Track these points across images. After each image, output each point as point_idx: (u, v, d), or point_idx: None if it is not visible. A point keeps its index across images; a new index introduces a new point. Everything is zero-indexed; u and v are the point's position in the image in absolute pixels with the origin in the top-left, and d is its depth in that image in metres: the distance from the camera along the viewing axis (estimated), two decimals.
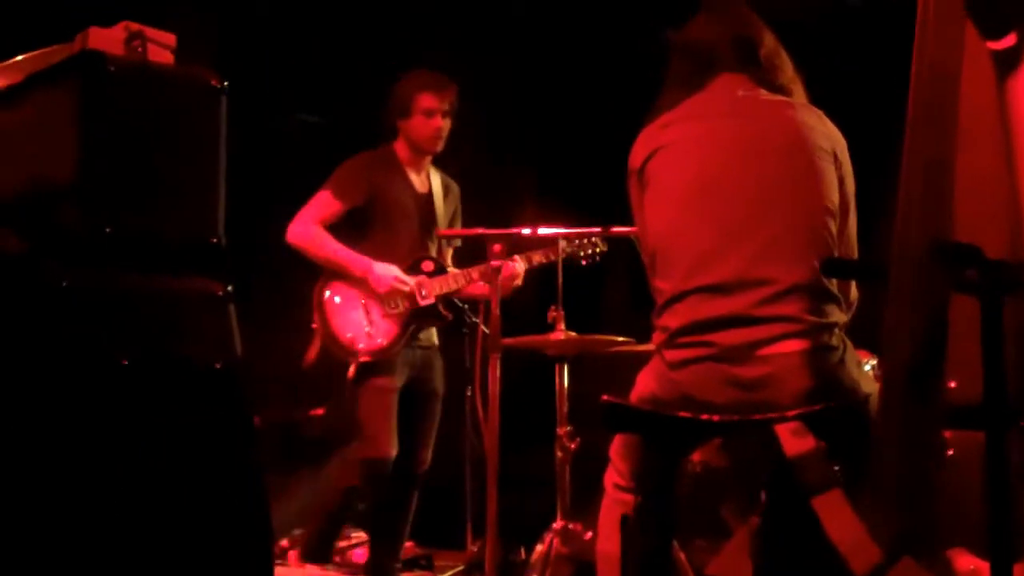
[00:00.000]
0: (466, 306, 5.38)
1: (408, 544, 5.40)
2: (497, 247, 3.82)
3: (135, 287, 2.59)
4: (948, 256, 1.50)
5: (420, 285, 4.89)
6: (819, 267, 2.78)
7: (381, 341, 4.83)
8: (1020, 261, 1.74)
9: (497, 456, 3.71)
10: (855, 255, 3.07)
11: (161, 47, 2.68)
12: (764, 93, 3.15)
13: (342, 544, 5.54)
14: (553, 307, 4.10)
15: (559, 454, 4.08)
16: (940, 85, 1.54)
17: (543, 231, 3.93)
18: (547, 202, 6.11)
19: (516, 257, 4.88)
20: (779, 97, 3.15)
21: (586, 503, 3.67)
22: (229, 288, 2.69)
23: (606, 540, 3.23)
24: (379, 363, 4.83)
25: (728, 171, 3.04)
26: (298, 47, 6.62)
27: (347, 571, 5.29)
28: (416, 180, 5.09)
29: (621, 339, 4.00)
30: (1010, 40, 1.76)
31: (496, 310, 3.77)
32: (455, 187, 5.28)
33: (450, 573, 5.27)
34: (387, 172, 5.02)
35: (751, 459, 3.18)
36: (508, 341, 3.84)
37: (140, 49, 2.61)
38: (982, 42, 1.77)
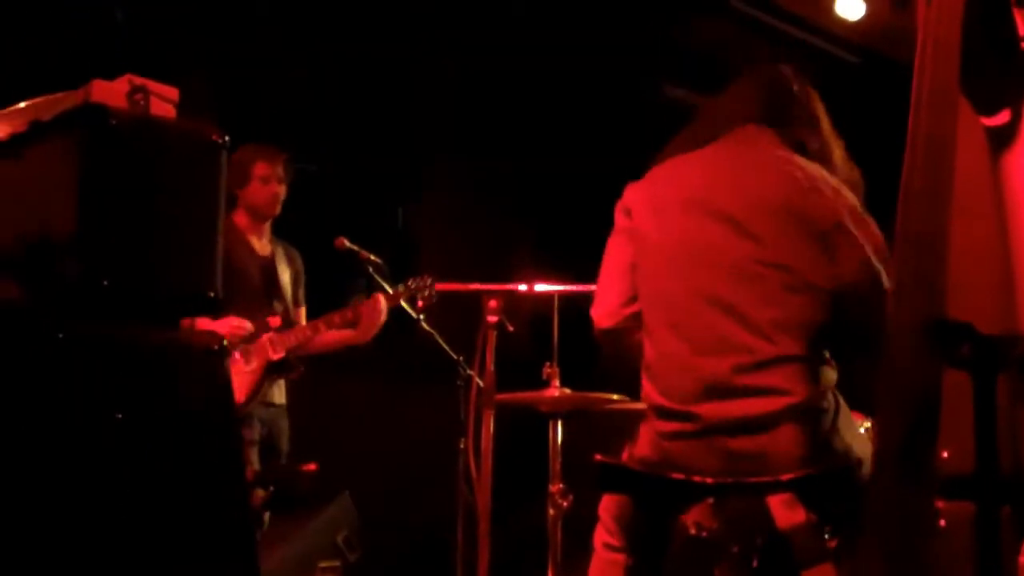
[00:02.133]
0: (460, 359, 5.38)
1: None
2: (493, 303, 3.83)
3: (132, 340, 2.60)
4: (941, 333, 1.52)
5: (271, 340, 5.05)
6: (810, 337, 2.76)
7: (239, 397, 4.87)
8: (1013, 333, 1.76)
9: (489, 511, 3.70)
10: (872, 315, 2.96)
11: (163, 100, 2.70)
12: (782, 152, 3.07)
13: None
14: (548, 364, 4.10)
15: (551, 511, 4.06)
16: (935, 160, 1.56)
17: (539, 287, 3.95)
18: (544, 258, 6.16)
19: (378, 296, 5.18)
20: (793, 159, 3.04)
21: (577, 561, 3.65)
22: (225, 342, 2.70)
23: None
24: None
25: (723, 236, 2.98)
26: (291, 97, 6.67)
27: None
28: (257, 245, 5.32)
29: (616, 396, 4.00)
30: (1004, 117, 1.79)
31: (490, 365, 3.77)
32: (297, 254, 5.52)
33: None
34: (230, 240, 4.99)
35: (744, 521, 3.17)
36: (502, 397, 3.85)
37: (142, 103, 2.62)
38: (976, 116, 1.80)
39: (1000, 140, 1.76)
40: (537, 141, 7.02)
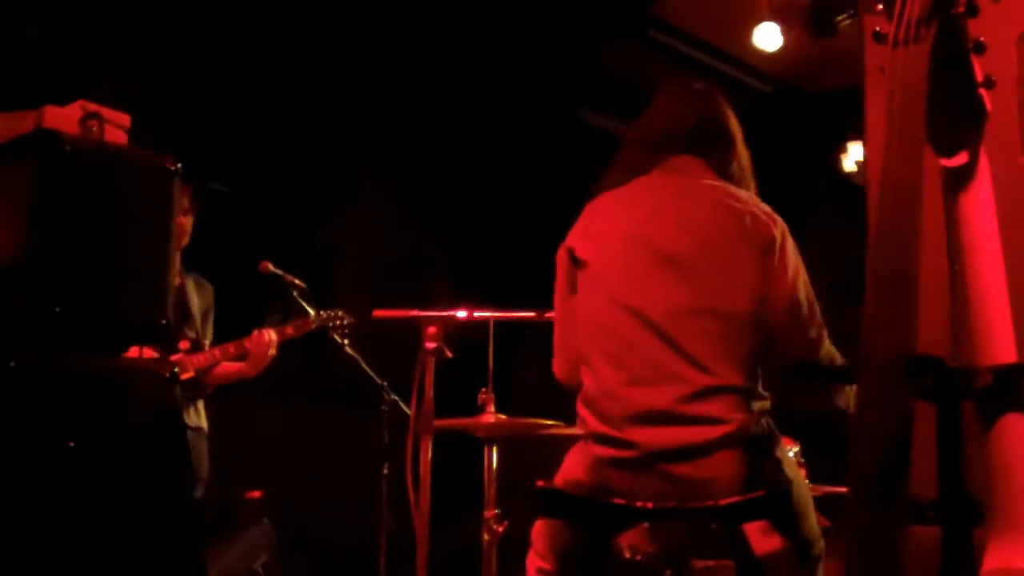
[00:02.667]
0: (385, 383, 5.39)
1: None
2: (432, 329, 3.85)
3: (83, 368, 2.58)
4: (914, 368, 1.58)
5: (179, 362, 4.87)
6: (793, 371, 2.82)
7: None
8: (965, 365, 1.83)
9: (427, 537, 3.70)
10: (814, 334, 3.03)
11: (116, 127, 2.69)
12: (710, 179, 3.13)
13: None
14: (483, 389, 4.12)
15: (486, 536, 4.07)
16: (902, 202, 1.63)
17: (478, 315, 3.97)
18: (463, 280, 6.21)
19: (267, 329, 5.10)
20: (727, 189, 3.11)
21: None
22: (176, 369, 2.69)
23: None
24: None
25: (659, 267, 3.03)
26: (206, 117, 6.63)
27: None
28: None
29: (551, 422, 4.03)
30: (962, 158, 1.86)
31: (429, 391, 3.79)
32: (208, 285, 5.40)
33: None
34: None
35: (679, 544, 3.21)
36: (439, 423, 3.86)
37: (96, 129, 2.61)
38: (934, 158, 1.87)
39: (957, 181, 1.83)
40: (455, 164, 7.05)
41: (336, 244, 7.18)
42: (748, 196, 3.12)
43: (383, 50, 6.69)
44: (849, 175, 8.05)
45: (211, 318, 5.33)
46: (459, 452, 4.53)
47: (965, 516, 1.71)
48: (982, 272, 1.84)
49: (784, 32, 6.50)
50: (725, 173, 3.18)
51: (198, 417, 5.12)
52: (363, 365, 5.40)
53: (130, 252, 2.65)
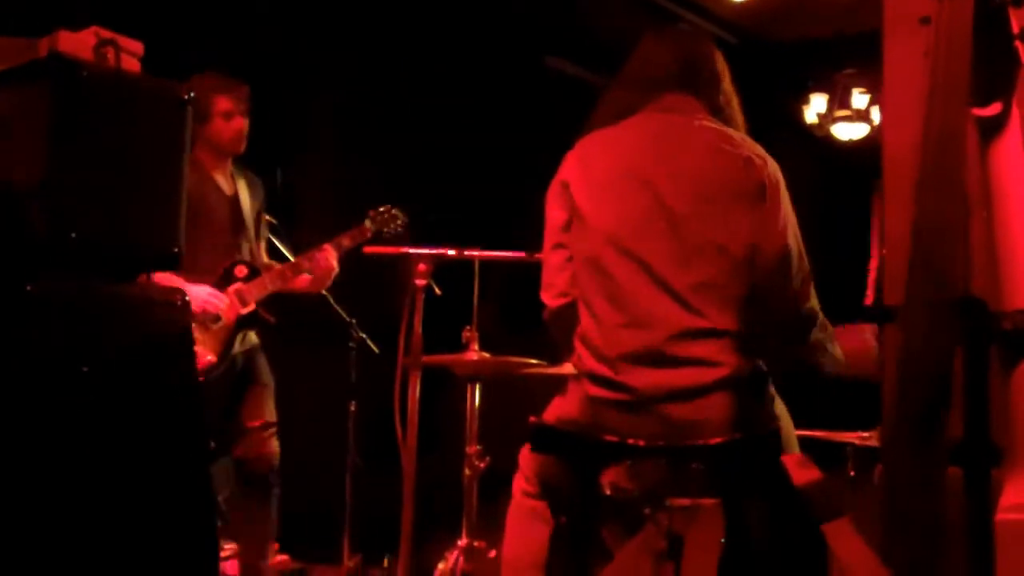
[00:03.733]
0: (353, 321, 5.39)
1: (283, 557, 5.36)
2: (422, 266, 3.87)
3: (98, 293, 2.58)
4: (959, 309, 1.63)
5: (238, 292, 4.81)
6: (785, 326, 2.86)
7: (211, 358, 4.70)
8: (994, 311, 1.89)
9: (414, 474, 3.74)
10: (798, 285, 3.06)
11: (129, 55, 2.67)
12: (704, 118, 3.14)
13: None
14: (467, 328, 4.15)
15: (467, 472, 4.12)
16: (948, 149, 1.67)
17: (468, 253, 4.00)
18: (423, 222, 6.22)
19: (326, 247, 4.89)
20: (721, 129, 3.13)
21: (492, 522, 3.73)
22: (187, 297, 2.70)
23: (515, 544, 3.25)
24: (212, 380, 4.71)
25: (654, 210, 3.04)
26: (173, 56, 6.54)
27: None
28: (223, 182, 5.02)
29: (534, 361, 4.08)
30: (995, 108, 1.91)
31: (418, 328, 3.81)
32: (258, 181, 5.22)
33: None
34: (198, 182, 4.79)
35: (661, 484, 3.27)
36: (428, 359, 3.89)
37: (112, 57, 2.59)
38: (969, 107, 1.92)
39: (990, 130, 1.88)
40: (419, 109, 7.03)
41: (299, 187, 7.16)
42: (741, 138, 3.13)
43: None
44: (810, 127, 8.14)
45: (263, 216, 5.15)
46: (441, 389, 4.58)
47: (987, 457, 1.77)
48: (1010, 219, 1.90)
49: None
50: (716, 110, 3.19)
51: (252, 334, 4.98)
52: (332, 303, 5.38)
53: (143, 179, 2.64)
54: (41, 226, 2.50)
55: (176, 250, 2.66)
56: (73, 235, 2.52)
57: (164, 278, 4.53)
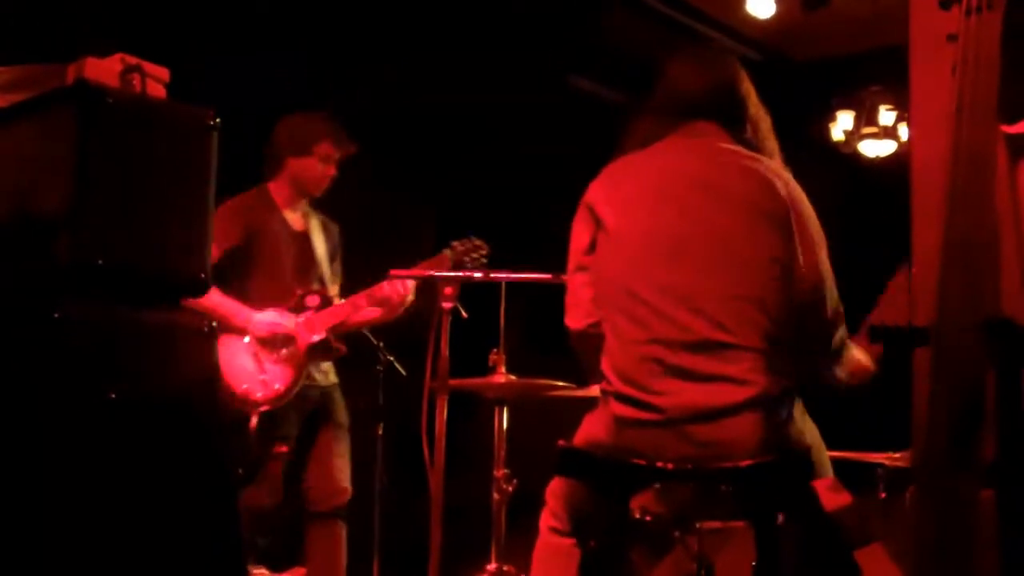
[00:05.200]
0: (380, 344, 5.39)
1: None
2: (448, 289, 3.87)
3: (124, 320, 2.58)
4: (994, 331, 1.61)
5: (309, 322, 4.79)
6: (867, 332, 2.83)
7: (279, 387, 4.70)
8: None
9: (442, 497, 3.73)
10: (833, 308, 3.04)
11: (155, 81, 2.68)
12: (733, 146, 3.14)
13: None
14: (494, 350, 4.14)
15: (496, 496, 4.11)
16: (977, 168, 1.66)
17: (494, 275, 3.99)
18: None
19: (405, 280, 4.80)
20: (746, 153, 3.13)
21: (520, 546, 3.71)
22: (214, 324, 2.70)
23: None
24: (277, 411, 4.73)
25: (683, 228, 3.04)
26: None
27: None
28: (292, 219, 5.01)
29: (561, 383, 4.07)
30: (1023, 126, 1.89)
31: (445, 351, 3.81)
32: (333, 226, 5.22)
33: None
34: (263, 212, 4.93)
35: (691, 507, 3.24)
36: (455, 383, 3.88)
37: (137, 83, 2.61)
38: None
39: (1019, 148, 1.87)
40: (442, 129, 7.03)
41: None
42: (769, 161, 3.14)
43: (371, 10, 6.66)
44: (836, 144, 8.11)
45: (339, 258, 5.14)
46: (467, 413, 4.56)
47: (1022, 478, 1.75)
48: None
49: (777, 0, 6.55)
50: (742, 138, 3.19)
51: (330, 373, 4.99)
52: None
53: (170, 206, 2.65)
54: (67, 253, 2.50)
55: (203, 276, 2.66)
56: (100, 262, 2.53)
57: (232, 305, 4.63)
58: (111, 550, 2.49)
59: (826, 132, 8.06)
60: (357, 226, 7.07)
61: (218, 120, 2.70)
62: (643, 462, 2.98)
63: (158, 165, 2.64)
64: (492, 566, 4.12)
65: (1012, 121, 1.87)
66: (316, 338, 4.75)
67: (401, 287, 4.76)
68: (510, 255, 4.45)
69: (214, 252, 4.57)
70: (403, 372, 5.41)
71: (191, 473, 2.62)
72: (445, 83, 7.00)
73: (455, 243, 4.83)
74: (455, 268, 4.66)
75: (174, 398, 2.61)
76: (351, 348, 5.52)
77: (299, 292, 4.84)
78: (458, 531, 4.59)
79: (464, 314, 3.89)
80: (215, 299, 4.49)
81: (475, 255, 4.84)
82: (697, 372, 2.94)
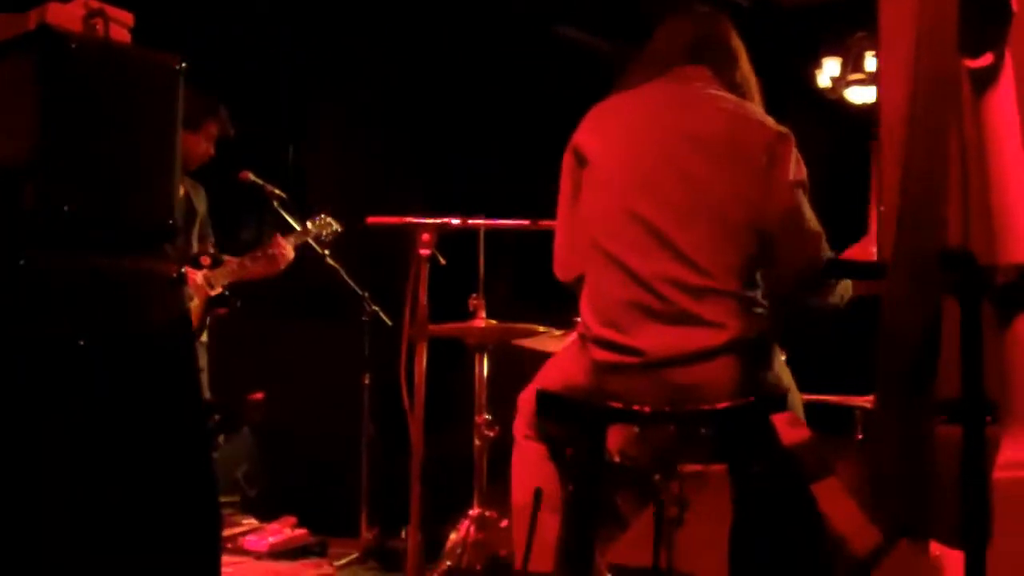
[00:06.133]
0: (366, 293, 5.40)
1: (302, 531, 5.41)
2: (426, 236, 3.85)
3: (92, 267, 2.57)
4: (945, 262, 1.60)
5: (205, 277, 5.20)
6: (823, 267, 2.83)
7: None
8: (987, 265, 1.86)
9: (422, 444, 3.73)
10: (810, 238, 3.06)
11: (120, 25, 2.65)
12: (718, 91, 3.17)
13: (233, 531, 5.50)
14: (473, 296, 4.14)
15: (477, 442, 4.12)
16: (937, 96, 1.64)
17: (472, 222, 3.98)
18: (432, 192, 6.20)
19: (279, 238, 5.34)
20: (729, 96, 3.16)
21: (502, 492, 3.72)
22: (183, 270, 2.68)
23: (521, 488, 3.24)
24: None
25: (661, 170, 3.06)
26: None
27: (239, 557, 5.25)
28: None
29: (541, 328, 4.06)
30: (987, 59, 1.87)
31: (423, 298, 3.79)
32: (201, 188, 5.54)
33: (344, 560, 5.25)
34: None
35: (669, 450, 3.25)
36: (434, 329, 3.88)
37: (101, 28, 2.57)
38: (960, 58, 1.88)
39: (982, 81, 1.85)
40: (428, 81, 7.00)
41: (310, 163, 7.16)
42: (752, 107, 3.18)
43: None
44: (823, 91, 8.05)
45: (208, 220, 5.51)
46: (454, 360, 4.57)
47: (984, 414, 1.74)
48: (1004, 172, 1.87)
49: None
50: (732, 86, 3.23)
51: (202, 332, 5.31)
52: (344, 275, 5.41)
53: (136, 152, 2.63)
54: (32, 201, 2.48)
55: (171, 222, 2.64)
56: (66, 208, 2.51)
57: None
58: (84, 496, 2.48)
59: (812, 79, 8.00)
60: (343, 178, 7.08)
61: (184, 65, 2.66)
62: (620, 405, 3.00)
63: (123, 110, 2.61)
64: (474, 511, 4.14)
65: (975, 55, 1.85)
66: (213, 292, 5.22)
67: (285, 250, 5.30)
68: (499, 205, 4.43)
69: None
70: (388, 322, 5.42)
71: (164, 418, 2.62)
72: (430, 36, 6.97)
73: (309, 221, 5.45)
74: (314, 240, 5.39)
75: (144, 344, 2.60)
76: (338, 299, 5.55)
77: (193, 252, 5.27)
78: (447, 478, 4.61)
79: (442, 260, 3.90)
80: None
81: (327, 232, 5.46)
82: (675, 315, 2.96)
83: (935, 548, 1.85)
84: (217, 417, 4.75)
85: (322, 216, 5.50)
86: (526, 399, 3.24)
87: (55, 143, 2.51)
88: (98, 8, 2.59)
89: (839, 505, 2.17)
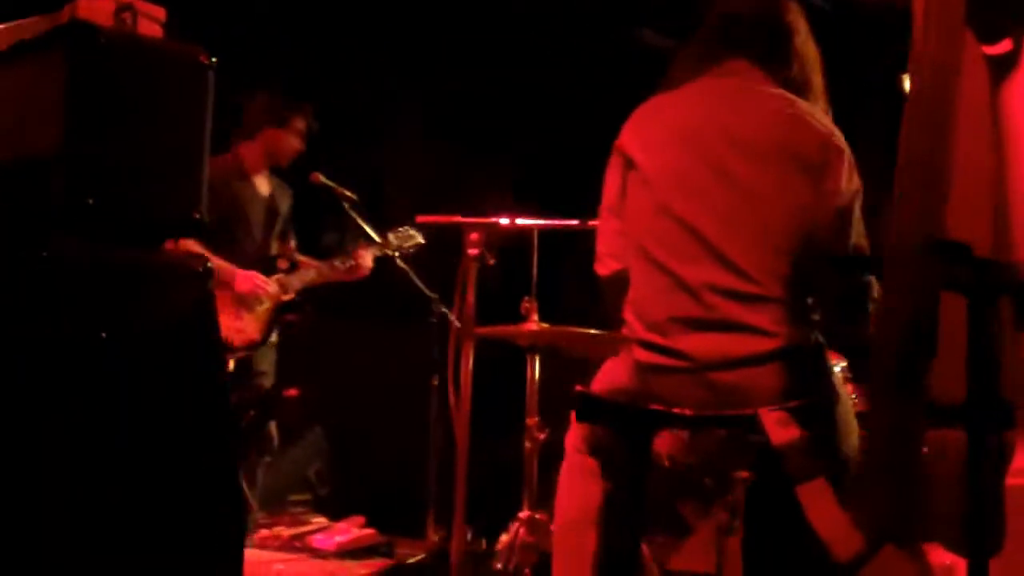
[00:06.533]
0: (436, 296, 5.41)
1: (370, 531, 5.45)
2: (474, 236, 3.83)
3: (117, 260, 2.58)
4: (940, 253, 1.52)
5: (280, 281, 5.32)
6: (831, 264, 2.75)
7: (255, 336, 5.23)
8: (1009, 259, 1.77)
9: (467, 444, 3.71)
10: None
11: (151, 20, 2.67)
12: (767, 88, 3.05)
13: (302, 529, 5.54)
14: (526, 298, 4.11)
15: (528, 444, 4.08)
16: (939, 84, 1.56)
17: (520, 221, 3.94)
18: (514, 195, 6.17)
19: (361, 249, 5.48)
20: (778, 94, 3.04)
21: (553, 493, 3.68)
22: (209, 264, 2.68)
23: (566, 502, 3.19)
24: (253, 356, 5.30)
25: (705, 174, 2.98)
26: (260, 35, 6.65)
27: (307, 555, 5.29)
28: (260, 185, 5.54)
29: (594, 331, 4.00)
30: (1006, 46, 1.79)
31: (471, 298, 3.77)
32: (288, 189, 5.71)
33: (411, 561, 5.26)
34: (237, 180, 5.43)
35: (719, 456, 3.18)
36: (481, 330, 3.85)
37: (129, 21, 2.59)
38: (978, 45, 1.80)
39: (1001, 68, 1.76)
40: (507, 86, 7.00)
41: (386, 164, 7.19)
42: (806, 106, 3.04)
43: None
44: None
45: (291, 220, 5.68)
46: (507, 361, 4.53)
47: (993, 417, 1.65)
48: (1023, 163, 1.78)
49: None
50: (783, 76, 3.10)
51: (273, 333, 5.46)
52: (414, 278, 5.43)
53: (165, 145, 2.64)
54: (57, 193, 2.50)
55: (198, 216, 2.64)
56: (91, 201, 2.52)
57: (218, 261, 4.98)
58: (105, 490, 2.49)
59: (899, 84, 7.84)
60: (420, 181, 7.09)
61: (214, 60, 2.67)
62: (661, 406, 2.94)
63: (151, 104, 2.63)
64: (524, 513, 4.10)
65: (993, 41, 1.77)
66: (286, 297, 5.32)
67: (366, 263, 5.45)
68: (579, 209, 4.39)
69: None
70: (458, 324, 5.41)
71: (188, 412, 2.62)
72: (510, 40, 6.96)
73: (391, 233, 5.55)
74: (395, 252, 5.45)
75: (168, 337, 2.60)
76: (406, 300, 5.56)
77: (271, 255, 5.44)
78: (506, 480, 4.59)
79: (491, 260, 3.88)
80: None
81: (409, 244, 5.56)
82: (722, 323, 2.89)
83: (946, 557, 1.77)
84: (252, 413, 4.83)
85: (405, 228, 5.58)
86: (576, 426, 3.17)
87: (81, 135, 2.53)
88: (127, 3, 2.60)
89: (823, 508, 2.09)
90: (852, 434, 2.97)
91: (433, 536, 5.44)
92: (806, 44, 3.16)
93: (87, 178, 2.53)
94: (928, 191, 1.56)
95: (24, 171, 2.56)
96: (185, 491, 2.60)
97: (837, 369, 4.04)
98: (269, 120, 5.47)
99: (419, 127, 7.32)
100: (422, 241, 5.58)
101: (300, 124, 5.51)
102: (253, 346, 5.22)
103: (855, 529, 1.56)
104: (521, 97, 7.06)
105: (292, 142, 5.49)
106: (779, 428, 2.58)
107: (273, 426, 5.33)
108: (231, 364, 5.03)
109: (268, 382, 5.44)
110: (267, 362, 5.47)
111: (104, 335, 2.50)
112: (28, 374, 2.43)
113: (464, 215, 3.99)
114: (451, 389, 3.76)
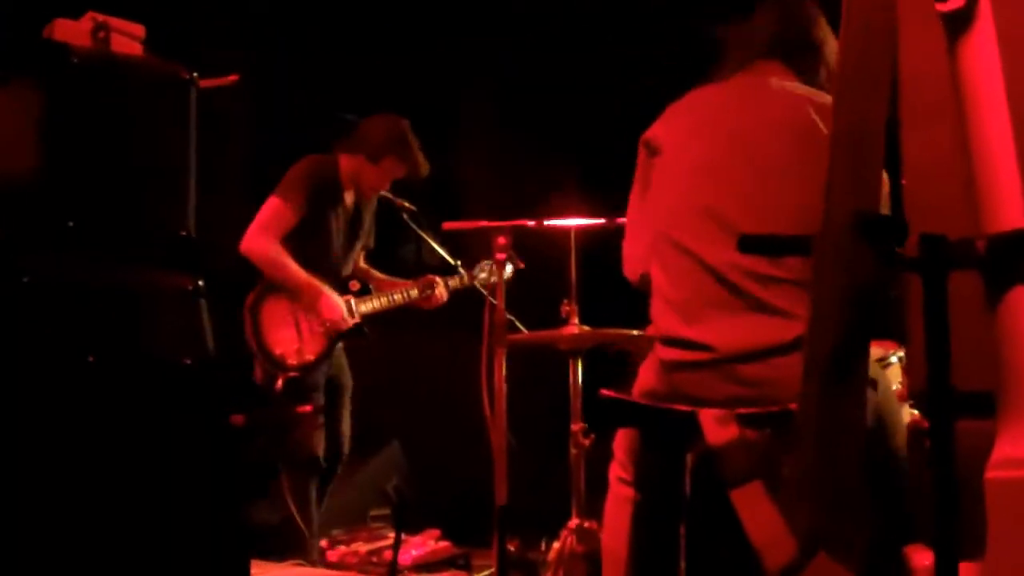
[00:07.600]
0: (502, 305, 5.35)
1: (445, 544, 5.41)
2: (502, 239, 3.75)
3: (100, 282, 2.54)
4: (870, 230, 1.39)
5: (348, 304, 5.19)
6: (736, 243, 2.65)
7: (309, 357, 5.07)
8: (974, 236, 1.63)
9: (505, 450, 3.63)
10: None
11: (130, 38, 2.64)
12: (795, 84, 3.05)
13: (378, 544, 5.53)
14: (566, 301, 4.02)
15: (573, 451, 4.00)
16: (869, 45, 1.43)
17: (548, 222, 3.85)
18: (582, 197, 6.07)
19: (439, 281, 5.36)
20: (806, 88, 3.05)
21: (601, 499, 3.59)
22: (200, 283, 2.64)
23: (610, 535, 3.13)
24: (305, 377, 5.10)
25: (728, 158, 2.97)
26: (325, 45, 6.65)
27: (385, 571, 5.26)
28: (348, 196, 5.33)
29: (636, 332, 3.90)
30: (957, 1, 1.65)
31: (501, 304, 3.69)
32: (373, 205, 5.53)
33: (486, 573, 5.18)
34: (327, 186, 5.23)
35: (765, 453, 3.07)
36: (522, 336, 3.78)
37: (103, 39, 2.56)
38: (931, 2, 1.66)
39: (955, 26, 1.62)
40: (574, 81, 6.93)
41: (457, 169, 7.15)
42: (823, 95, 3.00)
43: None
44: None
45: (373, 232, 5.54)
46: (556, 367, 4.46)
47: (951, 404, 1.51)
48: (985, 128, 1.64)
49: None
50: (812, 80, 3.10)
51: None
52: (489, 297, 5.35)
53: (148, 164, 2.61)
54: (36, 216, 2.48)
55: (184, 234, 2.60)
56: (71, 224, 2.49)
57: (306, 278, 5.05)
58: (91, 517, 2.45)
59: None
60: (493, 187, 7.04)
61: (195, 75, 2.63)
62: (688, 408, 2.85)
63: (130, 122, 2.60)
64: (573, 522, 4.02)
65: None
66: (352, 321, 5.16)
67: (442, 296, 5.34)
68: None
69: (291, 221, 4.96)
70: (523, 330, 5.35)
71: (179, 435, 2.57)
72: (578, 40, 6.90)
73: (478, 267, 5.36)
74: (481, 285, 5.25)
75: (158, 360, 2.55)
76: (466, 309, 5.50)
77: (344, 275, 5.27)
78: (543, 487, 4.51)
79: (520, 264, 3.79)
80: (292, 269, 5.03)
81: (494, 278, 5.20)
82: (746, 304, 2.84)
83: (927, 557, 1.63)
84: (262, 434, 4.76)
85: (490, 263, 5.38)
86: (619, 441, 3.14)
87: (59, 158, 2.51)
88: (103, 22, 2.57)
89: (758, 512, 1.96)
90: (898, 425, 2.87)
91: (507, 546, 5.36)
92: (833, 53, 3.17)
93: (67, 201, 2.51)
94: (859, 163, 1.43)
95: (3, 195, 2.54)
96: (176, 525, 2.55)
97: (894, 359, 3.88)
98: (366, 146, 5.27)
99: (491, 131, 7.28)
100: (509, 276, 5.35)
101: (391, 166, 5.31)
102: (306, 367, 5.05)
103: (790, 536, 1.43)
104: (589, 104, 6.99)
105: (375, 179, 5.33)
106: (716, 428, 2.47)
107: (321, 447, 5.18)
108: (280, 383, 4.96)
109: (347, 383, 5.37)
110: (339, 364, 5.37)
111: (91, 359, 2.46)
112: (13, 402, 2.40)
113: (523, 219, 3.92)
114: (484, 395, 3.69)
